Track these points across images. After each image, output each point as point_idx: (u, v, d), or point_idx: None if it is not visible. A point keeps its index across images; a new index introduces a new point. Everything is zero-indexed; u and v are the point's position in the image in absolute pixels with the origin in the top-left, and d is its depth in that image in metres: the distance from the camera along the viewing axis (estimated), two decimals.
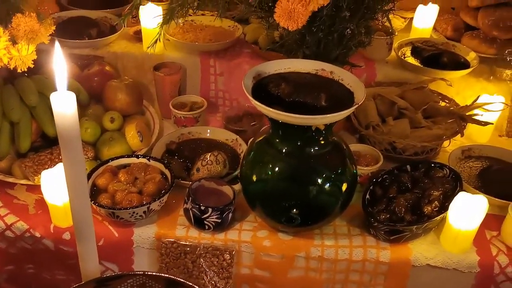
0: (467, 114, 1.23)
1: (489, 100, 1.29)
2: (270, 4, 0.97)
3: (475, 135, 1.32)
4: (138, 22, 1.54)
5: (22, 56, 0.98)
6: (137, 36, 1.46)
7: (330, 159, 0.94)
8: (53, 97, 0.63)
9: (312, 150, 0.91)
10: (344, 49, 1.10)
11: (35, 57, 1.00)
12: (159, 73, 1.30)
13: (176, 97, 1.33)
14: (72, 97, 0.63)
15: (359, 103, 0.85)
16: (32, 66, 0.99)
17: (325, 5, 0.91)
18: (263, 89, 0.92)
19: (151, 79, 1.40)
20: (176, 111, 1.28)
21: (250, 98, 0.86)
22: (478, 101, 1.28)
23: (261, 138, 1.00)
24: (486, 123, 1.19)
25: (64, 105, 0.62)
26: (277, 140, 0.93)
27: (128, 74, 1.42)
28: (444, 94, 1.34)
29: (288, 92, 0.89)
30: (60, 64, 0.62)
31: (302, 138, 0.90)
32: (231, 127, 1.28)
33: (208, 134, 1.26)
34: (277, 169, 0.95)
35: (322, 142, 0.92)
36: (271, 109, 0.82)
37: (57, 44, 0.62)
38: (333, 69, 0.97)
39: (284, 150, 0.93)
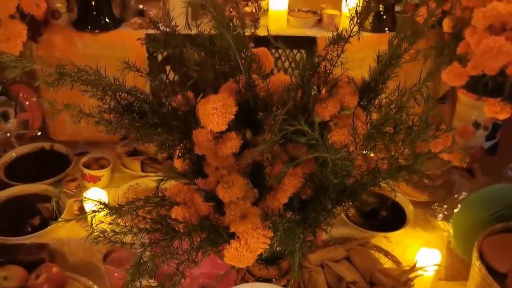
0: (410, 276, 1.32)
1: (427, 254, 1.39)
2: None
3: (417, 284, 1.40)
4: (80, 191, 1.54)
5: None
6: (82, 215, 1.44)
7: None
8: None
9: None
10: None
11: None
12: (109, 266, 1.29)
13: None
14: None
15: None
16: None
17: None
18: None
19: (101, 259, 1.38)
20: None
21: None
22: (418, 256, 1.38)
23: None
24: None
25: None
26: None
27: (75, 257, 1.41)
28: (385, 249, 1.43)
29: None
30: None
31: None
32: None
33: None
34: None
35: None
36: None
37: None
38: None
39: None
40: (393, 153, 0.88)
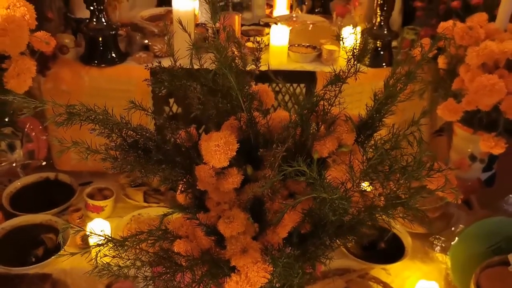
0: None
1: (425, 287, 1.40)
2: None
3: None
4: (83, 221, 1.56)
5: None
6: (85, 246, 1.46)
7: None
8: None
9: None
10: None
11: None
12: None
13: None
14: None
15: None
16: None
17: None
18: None
19: None
20: None
21: None
22: None
23: None
24: None
25: None
26: None
27: (78, 287, 1.42)
28: (384, 281, 1.44)
29: None
30: None
31: None
32: None
33: None
34: None
35: None
36: None
37: None
38: None
39: None
40: (388, 191, 0.91)
